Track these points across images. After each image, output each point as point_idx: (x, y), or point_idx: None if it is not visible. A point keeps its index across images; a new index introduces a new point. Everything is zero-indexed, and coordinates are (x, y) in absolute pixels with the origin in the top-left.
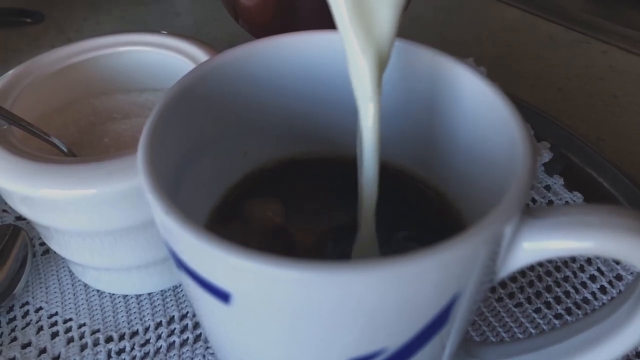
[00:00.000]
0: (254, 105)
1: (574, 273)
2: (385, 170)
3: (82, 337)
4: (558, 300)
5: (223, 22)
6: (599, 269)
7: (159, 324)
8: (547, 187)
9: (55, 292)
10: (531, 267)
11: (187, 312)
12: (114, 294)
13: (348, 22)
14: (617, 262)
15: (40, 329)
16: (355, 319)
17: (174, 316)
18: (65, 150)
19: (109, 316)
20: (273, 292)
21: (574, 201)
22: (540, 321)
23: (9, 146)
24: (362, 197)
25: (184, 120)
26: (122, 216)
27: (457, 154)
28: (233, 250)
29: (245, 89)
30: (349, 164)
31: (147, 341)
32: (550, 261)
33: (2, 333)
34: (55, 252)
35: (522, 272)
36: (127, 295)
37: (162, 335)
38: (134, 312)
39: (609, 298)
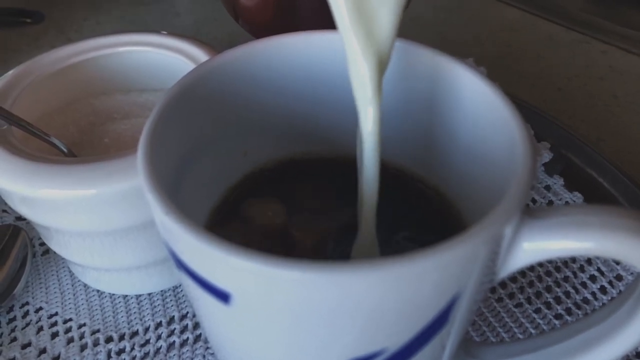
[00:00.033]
0: (254, 105)
1: (574, 273)
2: (385, 170)
3: (82, 337)
4: (558, 300)
5: (223, 22)
6: (599, 269)
7: (159, 324)
8: (547, 187)
9: (55, 292)
10: (531, 268)
11: (187, 313)
12: (114, 294)
13: (348, 23)
14: (617, 263)
15: (40, 329)
16: (355, 319)
17: (174, 316)
18: (65, 150)
19: (109, 316)
20: (273, 293)
21: (574, 201)
22: (541, 321)
23: (8, 146)
24: (362, 197)
25: (184, 120)
26: (122, 216)
27: (457, 154)
28: (233, 251)
29: (245, 89)
30: (349, 164)
31: (147, 341)
32: (550, 261)
33: (2, 333)
34: (55, 252)
35: (522, 273)
36: (127, 296)
37: (162, 335)
38: (134, 313)
39: (609, 298)
